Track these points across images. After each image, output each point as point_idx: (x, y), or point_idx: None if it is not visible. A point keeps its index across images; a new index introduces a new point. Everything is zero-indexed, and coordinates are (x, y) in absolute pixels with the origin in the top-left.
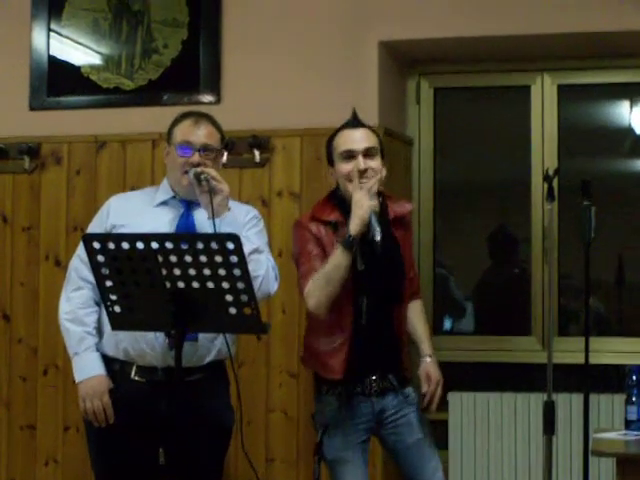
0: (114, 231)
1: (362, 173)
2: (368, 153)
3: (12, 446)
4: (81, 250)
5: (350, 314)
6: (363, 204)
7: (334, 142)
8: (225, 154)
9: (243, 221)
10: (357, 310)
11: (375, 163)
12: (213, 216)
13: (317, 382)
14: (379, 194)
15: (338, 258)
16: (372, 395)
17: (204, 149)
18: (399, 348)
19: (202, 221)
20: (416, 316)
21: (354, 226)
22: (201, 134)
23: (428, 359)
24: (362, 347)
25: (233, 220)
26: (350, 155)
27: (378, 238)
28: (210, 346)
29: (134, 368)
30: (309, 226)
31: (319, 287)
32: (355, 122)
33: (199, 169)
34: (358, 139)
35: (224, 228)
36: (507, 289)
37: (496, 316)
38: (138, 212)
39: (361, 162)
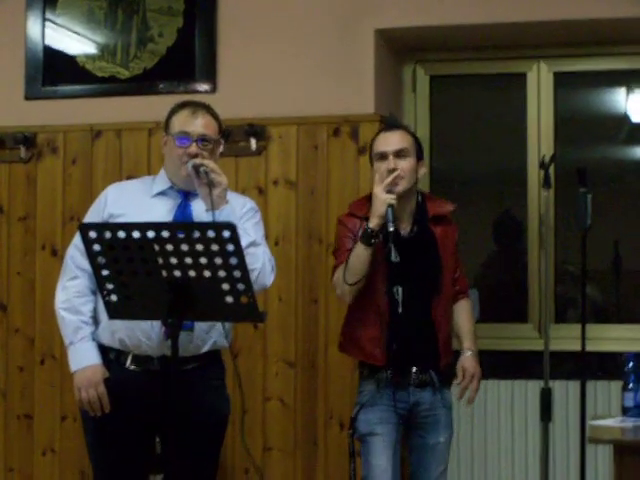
0: (112, 220)
1: (391, 172)
2: (399, 154)
3: (9, 436)
4: (78, 239)
5: (386, 303)
6: (380, 197)
7: (373, 144)
8: (222, 143)
9: (240, 213)
10: (392, 299)
11: (406, 163)
12: (213, 208)
13: (360, 366)
14: (419, 194)
15: (357, 250)
16: (412, 385)
17: (202, 139)
18: (438, 342)
19: (200, 212)
20: (461, 314)
21: (372, 219)
22: (199, 124)
23: (467, 353)
24: (401, 335)
25: (231, 213)
26: (383, 156)
27: (390, 229)
28: (206, 337)
29: (130, 357)
30: (346, 221)
31: (342, 277)
32: (390, 125)
33: (198, 161)
34: (390, 141)
35: (222, 220)
36: (503, 277)
37: (493, 303)
38: (136, 202)
39: (391, 162)
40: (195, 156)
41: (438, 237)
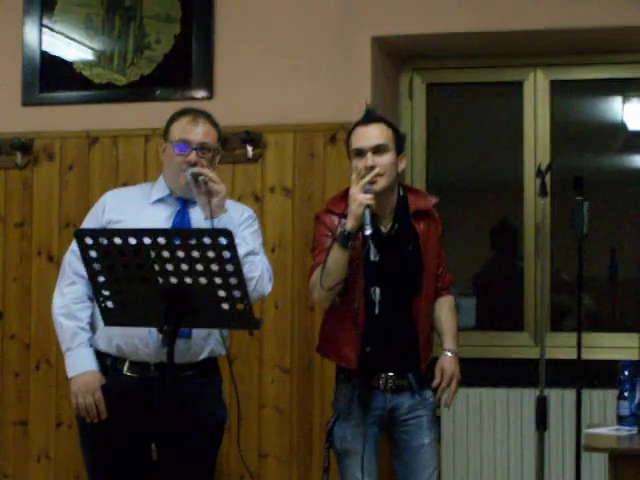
0: (110, 226)
1: (369, 170)
2: (377, 150)
3: (4, 442)
4: (75, 245)
5: (362, 304)
6: (356, 199)
7: (350, 139)
8: (220, 152)
9: (238, 221)
10: (369, 300)
11: (385, 159)
12: (212, 217)
13: (336, 370)
14: (401, 188)
15: (334, 252)
16: (387, 391)
17: (201, 148)
18: (419, 344)
19: (198, 220)
20: (443, 311)
21: (348, 221)
22: (199, 132)
23: (447, 354)
24: (377, 338)
25: (229, 222)
26: (360, 152)
27: (367, 233)
28: (203, 344)
29: (126, 364)
30: (324, 218)
31: (319, 280)
32: (367, 118)
33: (197, 170)
34: (367, 136)
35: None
36: (500, 285)
37: (489, 312)
38: (135, 208)
39: (369, 159)
40: (194, 164)
41: (420, 233)
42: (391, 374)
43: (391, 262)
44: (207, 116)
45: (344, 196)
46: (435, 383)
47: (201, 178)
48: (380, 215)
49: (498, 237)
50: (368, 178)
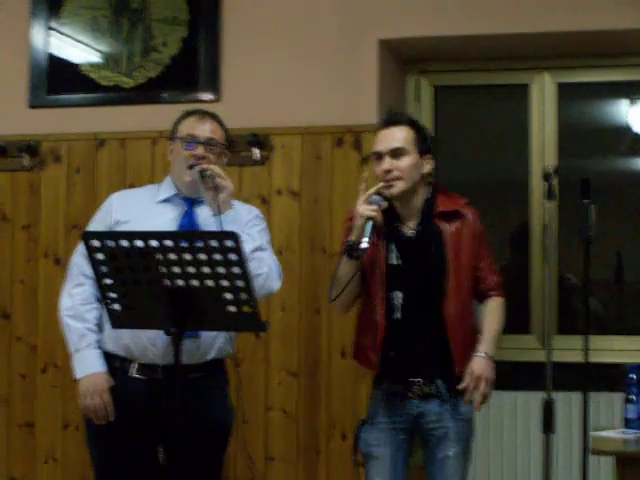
0: (118, 227)
1: (386, 174)
2: (395, 153)
3: (11, 444)
4: (82, 247)
5: (383, 307)
6: (359, 211)
7: (373, 142)
8: (228, 154)
9: (246, 220)
10: (390, 304)
11: (403, 163)
12: (219, 212)
13: (373, 376)
14: (431, 189)
15: (342, 264)
16: (414, 397)
17: (209, 142)
18: (450, 348)
19: (205, 218)
20: (485, 313)
21: (353, 232)
22: (206, 128)
23: (477, 354)
24: (400, 342)
25: (236, 218)
26: (378, 156)
27: (363, 246)
28: (212, 343)
29: (134, 365)
30: (348, 223)
31: (332, 288)
32: (387, 120)
33: (204, 165)
34: (386, 139)
35: (227, 226)
36: (507, 287)
37: None
38: (141, 209)
39: (386, 163)
40: (202, 158)
41: (448, 234)
42: (419, 380)
43: (414, 265)
44: (214, 116)
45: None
46: (462, 385)
47: (208, 173)
48: (405, 217)
49: (505, 240)
50: (373, 190)
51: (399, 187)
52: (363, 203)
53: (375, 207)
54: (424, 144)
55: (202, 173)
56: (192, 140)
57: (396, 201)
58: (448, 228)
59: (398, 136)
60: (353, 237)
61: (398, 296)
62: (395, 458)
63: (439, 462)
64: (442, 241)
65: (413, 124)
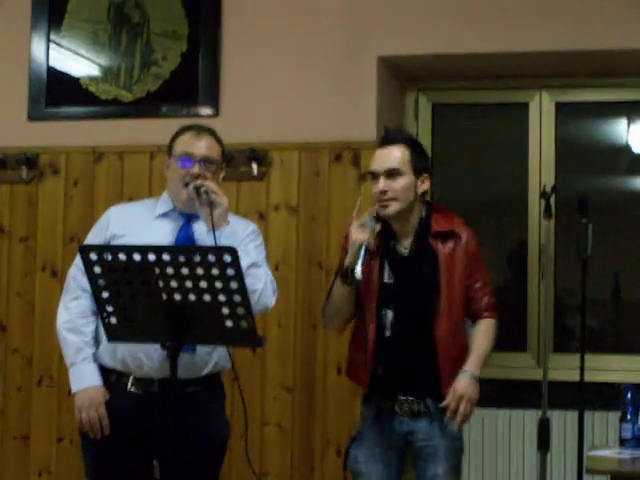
0: (114, 241)
1: (382, 194)
2: (390, 174)
3: (6, 456)
4: (79, 260)
5: (374, 326)
6: (351, 237)
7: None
8: (224, 168)
9: (242, 235)
10: (381, 322)
11: (398, 184)
12: (213, 229)
13: (363, 393)
14: (426, 209)
15: (336, 288)
16: (403, 415)
17: (204, 161)
18: (439, 369)
19: (202, 233)
20: (476, 333)
21: (347, 258)
22: (202, 146)
23: (462, 374)
24: (389, 360)
25: (232, 233)
26: (374, 176)
27: (358, 276)
28: (207, 358)
29: (130, 379)
30: (344, 242)
31: (326, 309)
32: (384, 140)
33: (198, 182)
34: (381, 159)
35: (223, 241)
36: (503, 305)
37: None
38: (138, 223)
39: (380, 184)
40: (198, 177)
41: (442, 254)
42: (409, 398)
43: (407, 284)
44: (211, 132)
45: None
46: (444, 403)
47: (202, 189)
48: (400, 235)
49: (502, 258)
50: (367, 215)
51: (394, 208)
52: (356, 228)
53: (368, 232)
54: (420, 163)
55: (197, 190)
56: (188, 158)
57: (391, 220)
58: (442, 248)
59: (394, 156)
60: (347, 262)
61: (389, 314)
62: (383, 475)
63: (430, 479)
64: (436, 261)
65: (410, 143)
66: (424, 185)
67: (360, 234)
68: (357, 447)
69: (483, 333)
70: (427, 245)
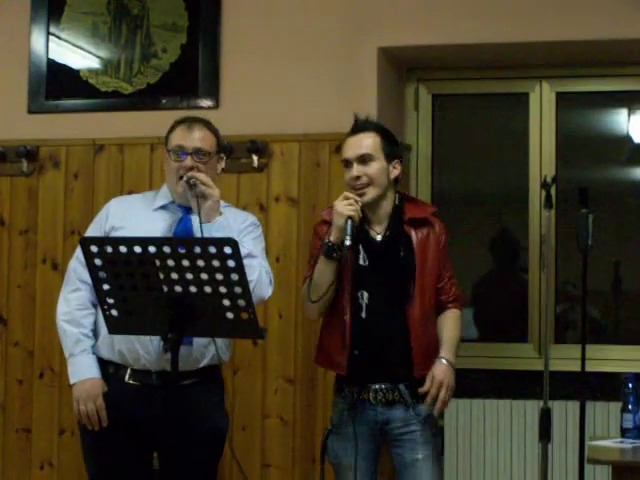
0: (113, 233)
1: (356, 180)
2: (362, 160)
3: (7, 449)
4: (80, 252)
5: (349, 308)
6: (337, 210)
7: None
8: (224, 159)
9: (240, 227)
10: (357, 304)
11: (371, 169)
12: (201, 222)
13: (335, 382)
14: (398, 196)
15: (320, 265)
16: (378, 404)
17: (197, 152)
18: (412, 355)
19: (198, 226)
20: (445, 323)
21: (332, 232)
22: (194, 138)
23: (440, 361)
24: (365, 342)
25: (225, 225)
26: (347, 163)
27: (347, 244)
28: (204, 350)
29: (128, 371)
30: (318, 229)
31: (308, 292)
32: (354, 128)
33: (190, 174)
34: (352, 146)
35: (215, 233)
36: (504, 296)
37: (493, 323)
38: (137, 215)
39: (354, 170)
40: (191, 169)
41: (416, 241)
42: (382, 386)
43: (381, 268)
44: (204, 123)
45: None
46: (423, 389)
47: (192, 181)
48: (373, 221)
49: (503, 248)
50: (352, 196)
51: (370, 194)
52: (342, 202)
53: (354, 207)
54: (391, 149)
55: (188, 182)
56: (181, 151)
57: (366, 206)
58: (416, 235)
59: (365, 143)
60: (332, 237)
61: (364, 295)
62: (364, 467)
63: (409, 466)
64: (411, 247)
65: (380, 130)
66: (396, 170)
67: (347, 208)
68: (334, 439)
69: (453, 322)
70: (401, 231)
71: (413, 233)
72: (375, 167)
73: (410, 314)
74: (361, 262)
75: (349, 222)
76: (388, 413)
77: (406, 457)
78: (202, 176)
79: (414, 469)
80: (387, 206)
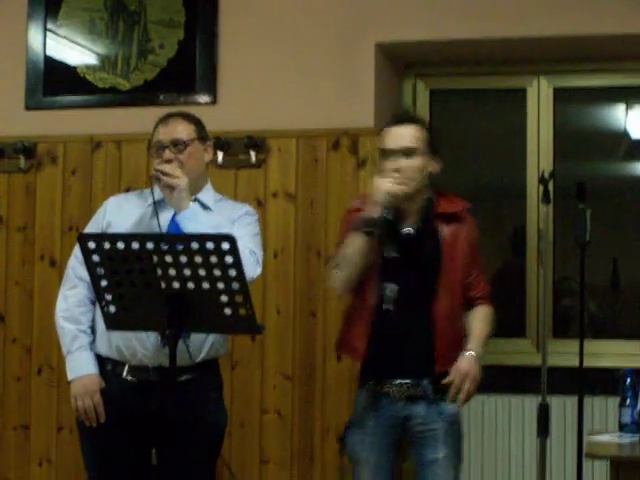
0: (109, 229)
1: (396, 172)
2: (406, 153)
3: (5, 446)
4: (78, 249)
5: (374, 298)
6: (378, 186)
7: (381, 138)
8: (219, 153)
9: (233, 217)
10: (383, 296)
11: (412, 162)
12: (156, 213)
13: (358, 375)
14: (432, 191)
15: (352, 238)
16: (400, 400)
17: (175, 144)
18: (436, 350)
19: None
20: (474, 319)
21: (369, 208)
22: (169, 131)
23: (465, 353)
24: (388, 335)
25: (192, 215)
26: (388, 153)
27: (386, 214)
28: (201, 345)
29: (126, 367)
30: (349, 217)
31: (342, 267)
32: (399, 118)
33: (155, 168)
34: (397, 138)
35: (184, 223)
36: (502, 291)
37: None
38: (133, 212)
39: (396, 162)
40: (170, 162)
41: (446, 236)
42: (405, 381)
43: (409, 261)
44: (180, 115)
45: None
46: (447, 380)
47: (153, 173)
48: (404, 215)
49: (500, 244)
50: (396, 180)
51: (409, 188)
52: (384, 181)
53: (395, 187)
54: (433, 145)
55: (152, 177)
56: (159, 146)
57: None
58: (446, 230)
59: (410, 135)
60: (369, 212)
61: (393, 288)
62: (381, 462)
63: (429, 464)
64: (439, 242)
65: (422, 124)
66: (434, 167)
67: (387, 185)
68: (354, 433)
69: (482, 318)
70: (431, 226)
71: (443, 228)
72: (417, 162)
73: (435, 309)
74: (389, 254)
75: (387, 199)
76: (410, 409)
77: (427, 455)
78: (167, 167)
79: (434, 468)
80: (420, 200)
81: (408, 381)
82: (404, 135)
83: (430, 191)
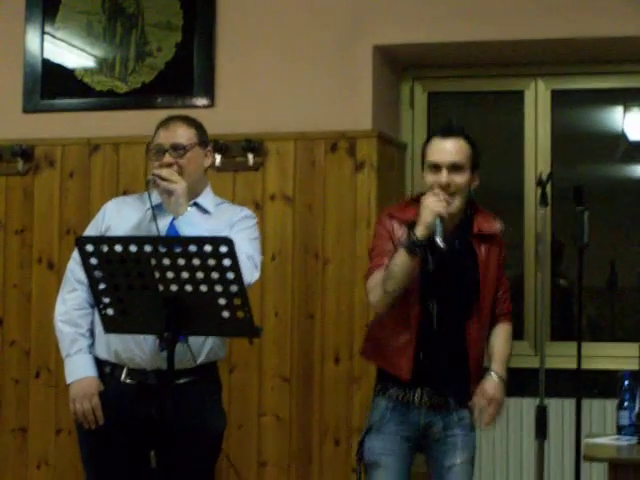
0: (109, 232)
1: (444, 188)
2: (454, 167)
3: (4, 448)
4: (77, 252)
5: (418, 314)
6: (429, 207)
7: (426, 149)
8: (217, 156)
9: (232, 221)
10: (426, 312)
11: (460, 178)
12: (154, 217)
13: (376, 380)
14: (471, 206)
15: (400, 258)
16: (422, 407)
17: (174, 148)
18: (468, 368)
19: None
20: (498, 336)
21: (418, 228)
22: (169, 135)
23: (492, 375)
24: (430, 352)
25: (190, 220)
26: (436, 167)
27: (439, 242)
28: (201, 348)
29: (125, 371)
30: (385, 222)
31: (380, 283)
32: (447, 130)
33: (152, 172)
34: (445, 151)
35: (182, 228)
36: None
37: None
38: (132, 215)
39: (444, 177)
40: (169, 166)
41: (481, 256)
42: (429, 389)
43: (448, 278)
44: (182, 118)
45: (408, 204)
46: (473, 402)
47: (149, 178)
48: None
49: None
50: (445, 197)
51: (455, 204)
52: (433, 198)
53: (444, 206)
54: (477, 160)
55: (149, 182)
56: (159, 150)
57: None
58: (481, 250)
59: (458, 150)
60: (419, 233)
61: (434, 305)
62: (400, 467)
63: (446, 470)
64: (477, 262)
65: (469, 138)
66: (475, 182)
67: (437, 204)
68: (373, 438)
69: (504, 337)
70: (468, 244)
71: (480, 248)
72: (464, 178)
73: (471, 330)
74: (429, 268)
75: (438, 220)
76: (431, 416)
77: (445, 462)
78: (164, 172)
79: (452, 474)
80: (459, 215)
81: (432, 390)
82: (452, 149)
83: (468, 206)
